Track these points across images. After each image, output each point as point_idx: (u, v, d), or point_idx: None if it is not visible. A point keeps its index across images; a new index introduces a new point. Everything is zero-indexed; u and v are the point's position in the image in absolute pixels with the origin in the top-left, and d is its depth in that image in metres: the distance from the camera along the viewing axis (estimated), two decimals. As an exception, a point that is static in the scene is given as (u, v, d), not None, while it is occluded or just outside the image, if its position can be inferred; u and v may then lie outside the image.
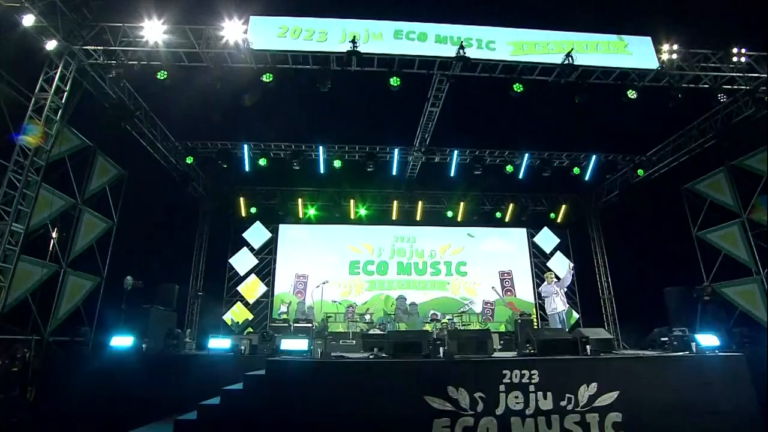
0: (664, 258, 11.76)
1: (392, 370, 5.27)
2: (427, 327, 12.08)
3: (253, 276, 14.17)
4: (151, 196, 11.38)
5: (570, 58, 8.10)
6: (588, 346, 5.69)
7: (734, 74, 8.77)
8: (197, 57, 8.44)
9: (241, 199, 14.12)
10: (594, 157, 12.00)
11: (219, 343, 6.89)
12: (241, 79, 8.75)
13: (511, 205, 14.69)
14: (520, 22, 8.55)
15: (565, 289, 9.64)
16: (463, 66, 8.40)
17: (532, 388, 5.31)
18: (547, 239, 15.35)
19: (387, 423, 4.92)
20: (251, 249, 14.41)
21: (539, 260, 15.25)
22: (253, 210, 14.31)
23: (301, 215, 14.30)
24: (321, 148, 11.56)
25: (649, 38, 8.49)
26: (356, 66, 8.33)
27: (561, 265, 15.06)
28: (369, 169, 11.59)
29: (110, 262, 10.79)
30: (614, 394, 5.36)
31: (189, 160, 11.80)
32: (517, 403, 5.24)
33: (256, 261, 14.30)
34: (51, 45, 7.72)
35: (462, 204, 14.59)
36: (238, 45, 8.21)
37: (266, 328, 13.08)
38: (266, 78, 8.21)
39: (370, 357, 5.84)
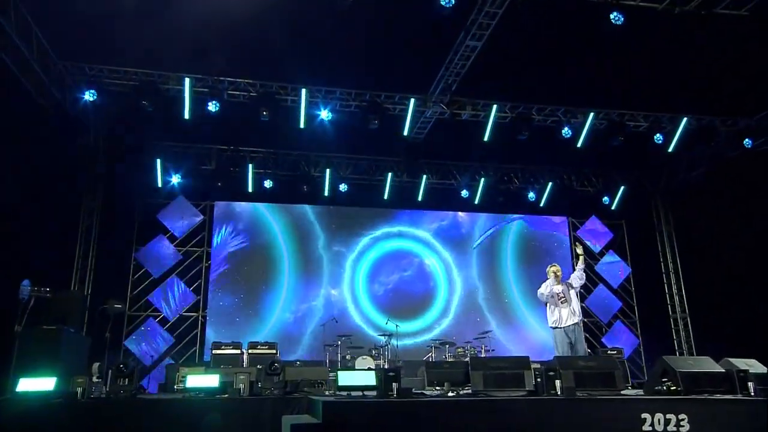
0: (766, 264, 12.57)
1: (495, 412, 5.47)
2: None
3: (174, 278, 13.71)
4: (9, 148, 10.49)
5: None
6: (750, 384, 6.06)
7: None
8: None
9: (158, 160, 13.49)
10: (684, 119, 12.62)
11: (200, 381, 6.58)
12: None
13: (549, 185, 15.20)
14: None
15: (578, 289, 9.28)
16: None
17: (681, 439, 5.61)
18: (595, 233, 16.05)
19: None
20: (171, 237, 13.92)
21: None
22: (176, 179, 13.75)
23: (250, 188, 13.95)
24: (303, 91, 11.28)
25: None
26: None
27: (610, 270, 15.89)
28: (372, 126, 11.45)
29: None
30: (790, 454, 5.75)
31: (89, 95, 11.02)
32: (663, 460, 5.50)
33: (179, 256, 13.86)
34: None
35: (482, 180, 14.89)
36: None
37: (204, 359, 12.74)
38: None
39: (450, 395, 5.94)
